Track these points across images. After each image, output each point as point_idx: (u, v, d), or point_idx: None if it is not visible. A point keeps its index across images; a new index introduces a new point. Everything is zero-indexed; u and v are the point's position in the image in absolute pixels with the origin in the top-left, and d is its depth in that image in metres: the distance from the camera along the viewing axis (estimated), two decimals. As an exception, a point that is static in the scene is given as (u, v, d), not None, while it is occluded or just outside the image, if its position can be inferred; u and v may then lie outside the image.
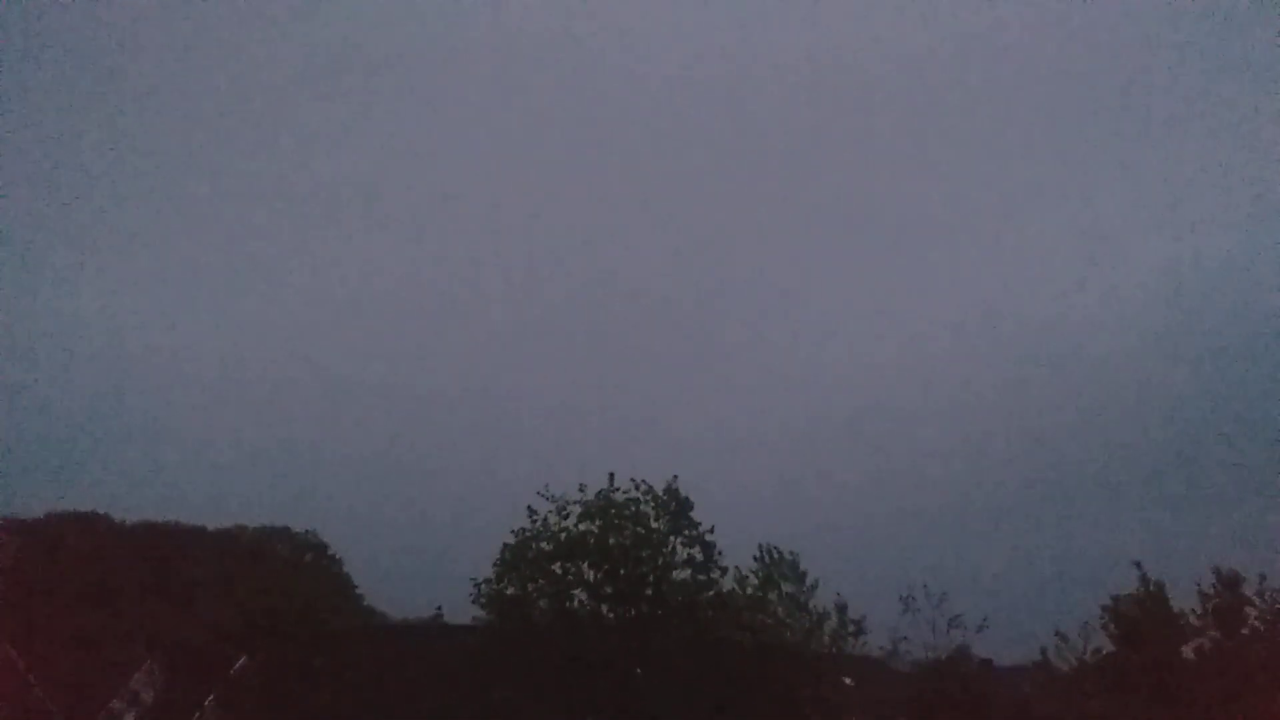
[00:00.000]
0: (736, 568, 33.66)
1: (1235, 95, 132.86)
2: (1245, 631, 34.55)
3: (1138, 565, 35.94)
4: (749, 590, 33.68)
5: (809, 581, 34.01)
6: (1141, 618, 35.17)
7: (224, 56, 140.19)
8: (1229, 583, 34.88)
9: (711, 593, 32.83)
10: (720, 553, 33.13)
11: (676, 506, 33.20)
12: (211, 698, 43.99)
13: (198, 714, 44.75)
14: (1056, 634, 36.58)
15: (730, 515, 35.24)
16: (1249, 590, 34.73)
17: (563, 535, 32.96)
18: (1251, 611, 34.50)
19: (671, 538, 32.96)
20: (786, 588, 33.64)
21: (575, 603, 32.73)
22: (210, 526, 76.14)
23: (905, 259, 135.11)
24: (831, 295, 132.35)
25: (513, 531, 33.12)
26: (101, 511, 74.90)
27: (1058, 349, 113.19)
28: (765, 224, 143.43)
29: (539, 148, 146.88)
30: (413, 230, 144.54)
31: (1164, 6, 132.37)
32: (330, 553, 77.59)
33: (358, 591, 72.39)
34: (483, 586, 32.78)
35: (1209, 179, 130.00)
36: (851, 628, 34.13)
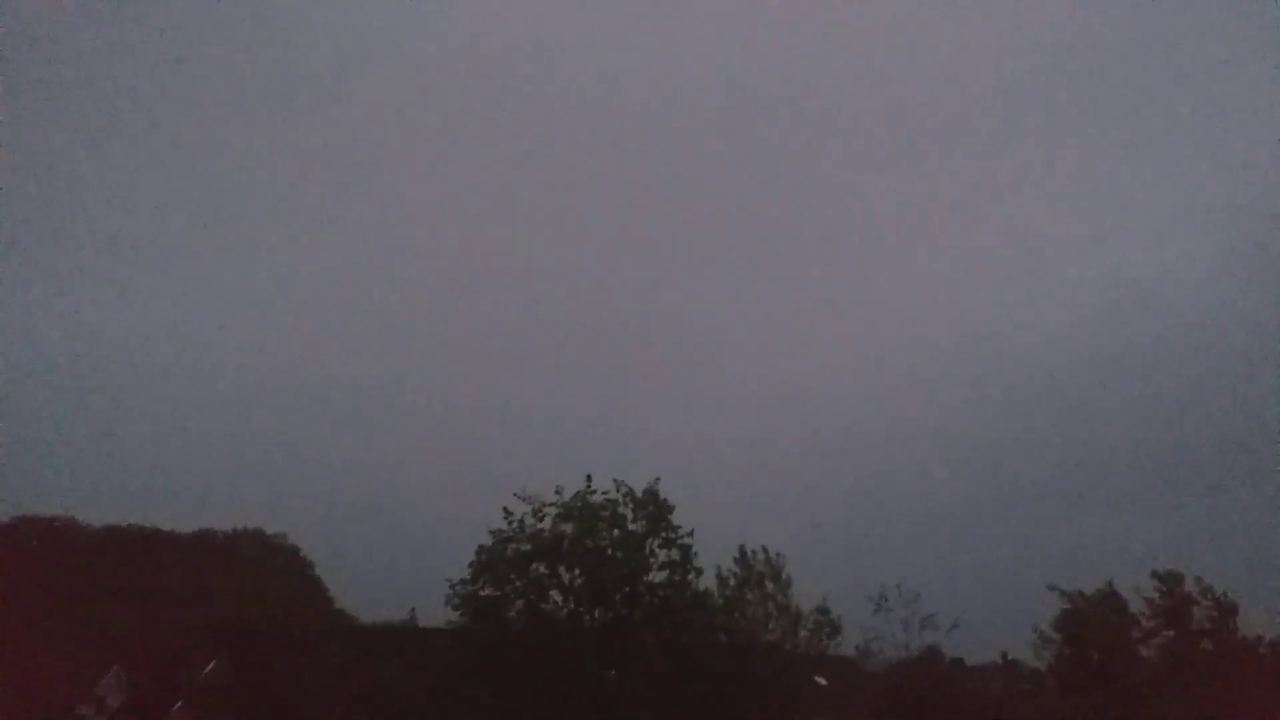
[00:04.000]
0: (719, 566, 33.79)
1: (1168, 107, 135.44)
2: (1194, 629, 35.43)
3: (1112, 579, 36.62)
4: (727, 591, 33.76)
5: (786, 582, 34.17)
6: (1100, 620, 35.75)
7: (220, 62, 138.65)
8: (1172, 583, 35.70)
9: (688, 594, 32.84)
10: (697, 554, 33.21)
11: (656, 509, 33.17)
12: (180, 703, 43.47)
13: (165, 719, 44.19)
14: (1036, 631, 36.99)
15: (708, 520, 35.22)
16: (1191, 589, 35.75)
17: (539, 536, 32.80)
18: (1198, 610, 35.37)
19: (649, 539, 32.93)
20: (768, 588, 33.75)
21: (551, 604, 32.62)
22: (180, 530, 75.46)
23: (855, 274, 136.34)
24: (792, 311, 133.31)
25: (490, 533, 32.95)
26: (69, 516, 74.04)
27: (1002, 360, 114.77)
28: (725, 246, 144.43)
29: (521, 157, 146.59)
30: (386, 236, 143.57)
31: (1096, 19, 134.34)
32: (302, 555, 77.05)
33: (329, 594, 71.89)
34: (458, 588, 32.59)
35: (1141, 191, 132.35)
36: (827, 628, 34.32)
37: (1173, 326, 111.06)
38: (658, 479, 33.67)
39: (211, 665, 41.87)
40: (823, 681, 37.46)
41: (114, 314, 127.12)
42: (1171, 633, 35.94)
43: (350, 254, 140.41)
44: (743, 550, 34.46)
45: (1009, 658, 38.93)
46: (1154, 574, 36.32)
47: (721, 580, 33.77)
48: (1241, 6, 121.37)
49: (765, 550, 34.55)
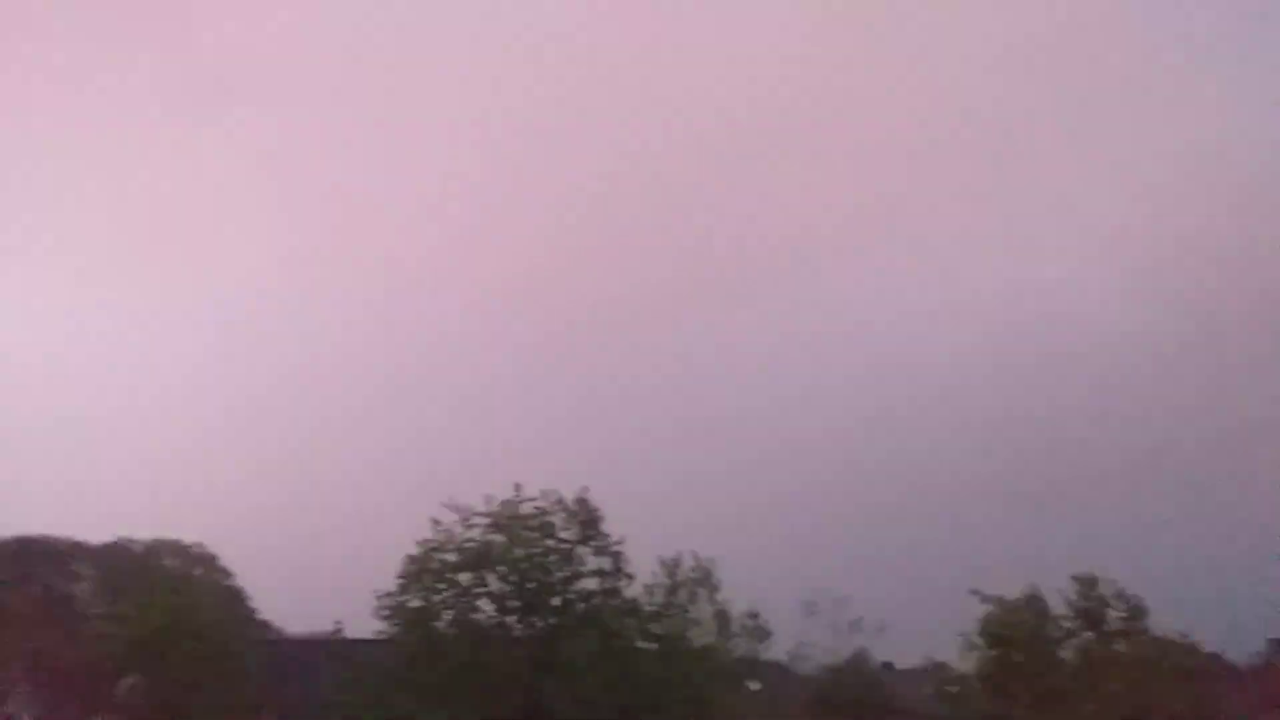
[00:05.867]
0: (656, 573, 33.94)
1: (1073, 121, 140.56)
2: (1109, 630, 36.63)
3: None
4: (655, 598, 33.90)
5: (715, 587, 34.43)
6: (1022, 623, 36.70)
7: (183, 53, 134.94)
8: (1088, 585, 36.89)
9: (619, 601, 32.92)
10: (627, 561, 33.30)
11: (587, 517, 33.16)
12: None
13: (81, 737, 42.86)
14: (961, 636, 37.67)
15: (636, 529, 35.25)
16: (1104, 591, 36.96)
17: (467, 546, 32.59)
18: (1112, 611, 36.60)
19: (579, 547, 32.93)
20: (700, 594, 34.00)
21: (481, 614, 32.43)
22: (93, 541, 73.19)
23: (776, 286, 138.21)
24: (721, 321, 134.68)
25: (416, 543, 32.63)
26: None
27: (921, 367, 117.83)
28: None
29: (487, 152, 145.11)
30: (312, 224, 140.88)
31: (1001, 31, 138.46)
32: (221, 565, 75.23)
33: (251, 605, 70.35)
34: (385, 599, 32.22)
35: (1046, 205, 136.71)
36: (757, 633, 34.67)
37: (1083, 339, 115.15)
38: (586, 487, 33.76)
39: (130, 681, 40.72)
40: (755, 686, 37.76)
41: (15, 314, 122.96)
42: (1091, 634, 37.02)
43: (282, 248, 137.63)
44: (669, 559, 34.60)
45: (937, 661, 39.66)
46: (1074, 577, 37.41)
47: (652, 588, 33.83)
48: (1155, 22, 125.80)
49: (695, 555, 34.73)
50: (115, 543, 73.01)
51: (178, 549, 74.79)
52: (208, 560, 74.89)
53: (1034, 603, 36.97)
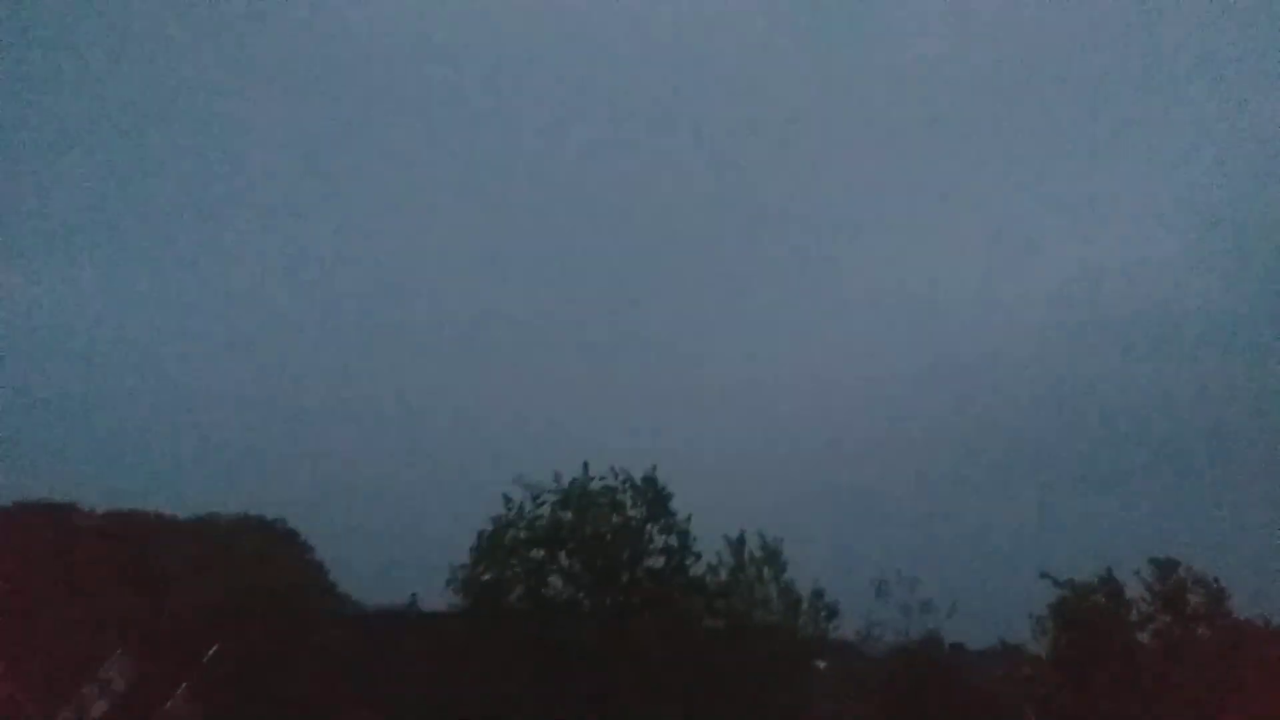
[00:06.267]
0: (720, 551, 34.05)
1: (1146, 101, 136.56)
2: (1189, 614, 35.66)
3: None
4: (723, 576, 33.96)
5: (783, 566, 34.35)
6: (1097, 606, 35.93)
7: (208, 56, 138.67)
8: (1167, 569, 35.90)
9: (686, 579, 33.05)
10: (696, 539, 33.43)
11: (654, 495, 33.37)
12: (184, 685, 43.79)
13: (169, 702, 44.51)
14: (1032, 618, 37.10)
15: (704, 508, 35.35)
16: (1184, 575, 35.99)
17: (538, 522, 32.98)
18: (1193, 596, 35.60)
19: (648, 526, 33.13)
20: (766, 573, 33.95)
21: (551, 589, 32.82)
22: (182, 516, 75.58)
23: (848, 265, 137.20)
24: (783, 301, 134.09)
25: (490, 519, 33.14)
26: (69, 502, 74.14)
27: (993, 348, 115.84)
28: (718, 239, 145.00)
29: (508, 152, 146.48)
30: (382, 225, 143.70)
31: (1072, 18, 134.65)
32: (302, 540, 77.18)
33: (331, 579, 72.11)
34: (459, 573, 32.78)
35: (1118, 184, 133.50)
36: (825, 612, 34.53)
37: (1146, 314, 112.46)
38: (655, 466, 33.96)
39: (215, 649, 42.11)
40: (822, 665, 37.66)
41: (116, 301, 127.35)
42: (1168, 618, 36.07)
43: (348, 243, 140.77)
44: (737, 538, 34.61)
45: (1008, 643, 39.08)
46: (1151, 560, 36.49)
47: (718, 566, 33.92)
48: (1214, 8, 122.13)
49: (762, 535, 34.68)
50: (202, 518, 75.47)
51: (261, 524, 77.02)
52: (289, 536, 77.03)
53: (1108, 585, 36.18)
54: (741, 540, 34.49)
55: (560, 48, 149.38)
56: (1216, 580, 35.79)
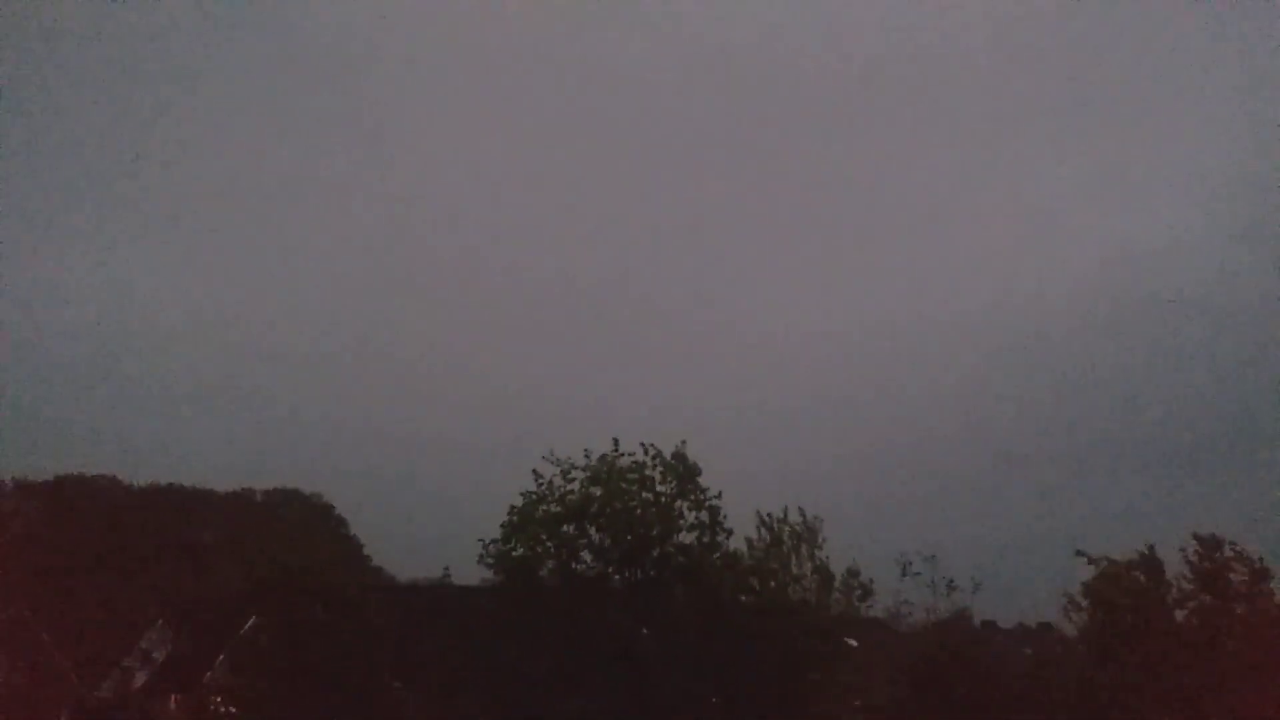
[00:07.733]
0: (759, 528, 34.00)
1: (1178, 79, 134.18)
2: (1230, 593, 34.99)
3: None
4: (756, 552, 33.94)
5: (820, 544, 34.23)
6: (1134, 585, 35.40)
7: (245, 41, 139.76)
8: (1211, 547, 35.18)
9: (718, 555, 33.08)
10: (726, 516, 33.41)
11: (684, 471, 33.34)
12: (222, 657, 44.50)
13: (209, 673, 45.29)
14: (1064, 596, 36.68)
15: (733, 484, 35.29)
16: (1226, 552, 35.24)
17: (568, 498, 33.12)
18: (1234, 575, 34.89)
19: (678, 501, 33.14)
20: (801, 549, 33.85)
21: (582, 564, 32.97)
22: (220, 489, 76.70)
23: (875, 243, 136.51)
24: (812, 282, 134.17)
25: (520, 494, 33.30)
26: (110, 475, 75.43)
27: (1024, 326, 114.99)
28: (747, 216, 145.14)
29: (541, 128, 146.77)
30: (418, 206, 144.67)
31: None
32: (338, 514, 78.21)
33: (365, 552, 73.06)
34: (490, 547, 32.98)
35: (1149, 162, 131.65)
36: (859, 591, 34.45)
37: (1180, 294, 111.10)
38: (684, 441, 33.86)
39: (252, 621, 42.69)
40: (853, 643, 37.62)
41: (155, 279, 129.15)
42: (1208, 598, 35.39)
43: (384, 224, 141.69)
44: (772, 516, 34.46)
45: (1041, 621, 38.78)
46: (1195, 536, 35.60)
47: (751, 543, 33.88)
48: None
49: (801, 511, 34.49)
50: (239, 491, 76.58)
51: (297, 497, 78.01)
52: (325, 509, 78.11)
53: (1148, 563, 35.61)
54: (782, 518, 34.28)
55: (591, 20, 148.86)
56: (1261, 559, 35.02)
